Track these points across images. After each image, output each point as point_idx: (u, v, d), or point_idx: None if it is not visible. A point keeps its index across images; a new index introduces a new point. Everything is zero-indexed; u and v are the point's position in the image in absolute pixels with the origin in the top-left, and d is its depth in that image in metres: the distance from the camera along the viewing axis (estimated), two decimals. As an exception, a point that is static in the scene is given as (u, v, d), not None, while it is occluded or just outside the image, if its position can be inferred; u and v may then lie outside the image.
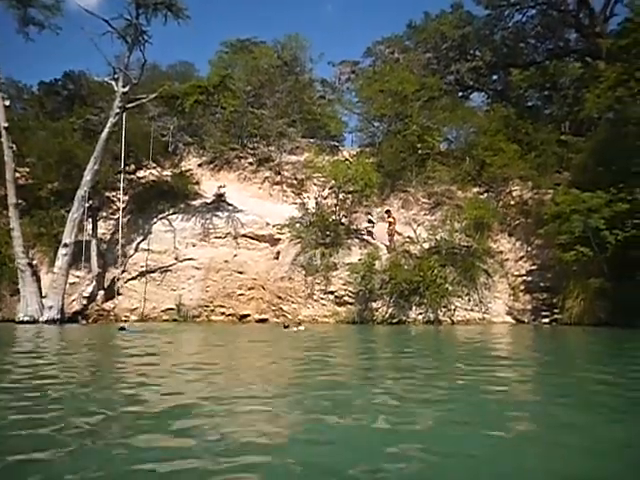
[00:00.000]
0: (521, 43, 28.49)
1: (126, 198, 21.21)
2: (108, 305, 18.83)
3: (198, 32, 65.43)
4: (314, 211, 19.51)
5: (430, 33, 28.87)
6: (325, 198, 19.96)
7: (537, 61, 27.92)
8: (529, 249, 19.39)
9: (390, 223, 19.02)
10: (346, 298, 17.72)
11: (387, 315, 17.32)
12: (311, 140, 25.88)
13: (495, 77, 30.17)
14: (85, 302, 18.73)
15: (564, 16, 26.83)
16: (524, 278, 18.76)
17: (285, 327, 14.22)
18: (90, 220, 19.67)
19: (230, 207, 21.01)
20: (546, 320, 17.35)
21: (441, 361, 8.12)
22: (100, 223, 20.51)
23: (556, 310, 17.31)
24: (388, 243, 18.69)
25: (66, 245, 18.00)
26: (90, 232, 19.69)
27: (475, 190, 21.30)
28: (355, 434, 3.52)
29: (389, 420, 3.81)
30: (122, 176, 19.69)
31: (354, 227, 19.50)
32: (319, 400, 4.53)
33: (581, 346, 11.98)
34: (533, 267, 18.90)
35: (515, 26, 28.17)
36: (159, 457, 2.95)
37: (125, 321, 18.20)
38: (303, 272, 18.23)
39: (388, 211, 19.58)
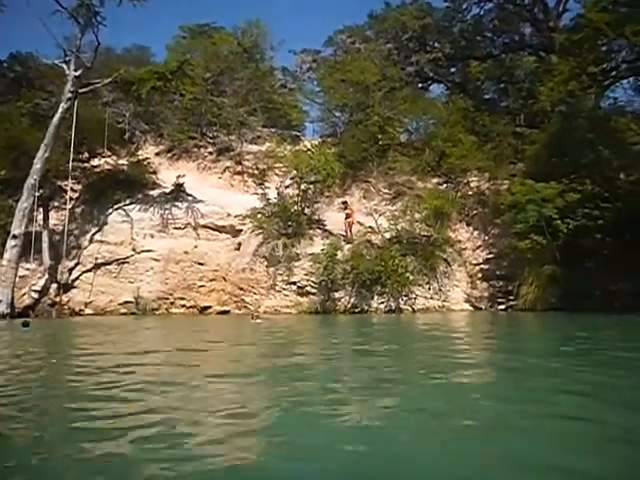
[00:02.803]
0: (479, 36, 29.02)
1: (80, 187, 20.39)
2: (62, 299, 18.09)
3: (154, 15, 63.29)
4: (276, 201, 19.35)
5: (391, 23, 28.98)
6: (287, 188, 19.83)
7: (494, 54, 28.57)
8: (486, 238, 19.94)
9: (347, 215, 19.04)
10: (308, 288, 17.72)
11: (349, 305, 17.44)
12: (272, 130, 25.56)
13: (454, 69, 30.66)
14: (36, 296, 17.91)
15: (520, 10, 27.50)
16: (481, 266, 19.29)
17: (252, 318, 14.07)
18: (41, 210, 18.78)
19: (190, 197, 20.54)
20: (502, 307, 17.92)
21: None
22: (52, 213, 19.61)
23: (511, 297, 17.90)
24: (345, 234, 18.73)
25: (15, 236, 17.15)
26: (41, 223, 18.80)
27: (435, 181, 21.67)
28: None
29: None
30: (70, 165, 18.83)
31: (316, 217, 19.48)
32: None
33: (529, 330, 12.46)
34: (490, 255, 19.45)
35: (473, 19, 28.68)
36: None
37: (79, 315, 17.60)
38: (265, 263, 18.09)
39: (345, 202, 19.59)
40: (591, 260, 16.81)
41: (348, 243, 18.33)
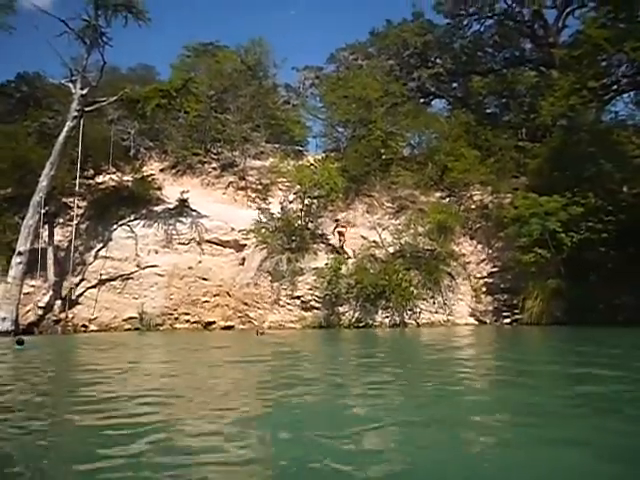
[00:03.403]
0: (479, 52, 29.35)
1: (85, 204, 20.51)
2: (66, 315, 18.11)
3: (159, 35, 64.23)
4: (279, 216, 19.43)
5: (392, 40, 29.34)
6: (290, 203, 19.91)
7: (495, 69, 28.84)
8: (490, 252, 19.91)
9: (340, 233, 18.84)
10: (312, 303, 17.70)
11: (354, 319, 17.39)
12: (275, 145, 25.77)
13: (455, 84, 30.93)
14: (41, 312, 17.93)
15: (520, 27, 27.81)
16: (485, 280, 19.24)
17: (257, 334, 14.05)
18: (46, 227, 18.90)
19: (194, 213, 20.63)
20: (507, 320, 17.83)
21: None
22: (57, 230, 19.73)
23: (516, 310, 17.83)
24: (339, 252, 18.52)
25: (20, 253, 17.22)
26: (46, 239, 18.91)
27: (437, 195, 21.74)
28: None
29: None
30: (77, 181, 19.04)
31: (320, 232, 19.52)
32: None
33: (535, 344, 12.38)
34: (494, 269, 19.41)
35: (473, 35, 29.03)
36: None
37: (84, 331, 17.60)
38: (269, 278, 18.10)
39: (337, 220, 19.42)
40: (595, 273, 16.78)
41: (348, 258, 18.32)
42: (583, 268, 16.56)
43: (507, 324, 17.63)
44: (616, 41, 17.34)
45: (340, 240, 18.75)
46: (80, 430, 3.87)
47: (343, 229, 18.95)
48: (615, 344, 10.61)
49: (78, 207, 20.17)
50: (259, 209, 19.87)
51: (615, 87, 20.47)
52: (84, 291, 18.66)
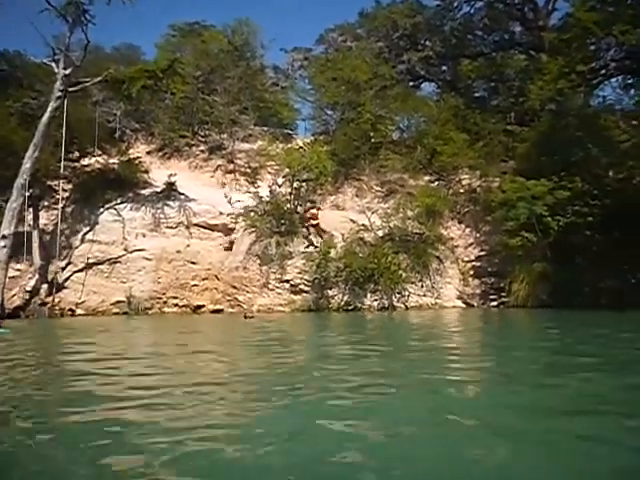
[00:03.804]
0: (469, 35, 29.19)
1: (70, 187, 20.19)
2: (52, 299, 17.94)
3: (143, 14, 62.79)
4: (268, 200, 19.33)
5: (381, 22, 29.03)
6: (279, 186, 19.81)
7: (484, 53, 28.74)
8: (478, 235, 20.08)
9: (311, 217, 18.46)
10: (302, 286, 17.74)
11: (342, 302, 17.50)
12: (264, 128, 25.52)
13: (444, 67, 30.77)
14: (27, 297, 17.72)
15: (509, 9, 27.67)
16: (473, 263, 19.43)
17: (245, 317, 14.06)
18: (31, 210, 18.57)
19: (181, 196, 20.43)
20: (494, 303, 18.08)
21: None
22: (42, 213, 19.41)
23: (503, 294, 18.06)
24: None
25: (5, 237, 16.93)
26: (31, 223, 18.61)
27: (426, 178, 21.78)
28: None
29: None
30: (61, 164, 18.69)
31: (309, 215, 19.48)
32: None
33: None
34: (482, 253, 19.60)
35: (463, 17, 28.82)
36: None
37: (71, 315, 17.47)
38: (258, 261, 18.08)
39: (308, 209, 18.93)
40: (581, 257, 17.03)
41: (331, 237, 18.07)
42: (569, 252, 16.79)
43: (494, 307, 17.88)
44: (605, 24, 17.37)
45: (313, 226, 18.31)
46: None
47: (315, 212, 18.69)
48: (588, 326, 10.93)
49: (63, 190, 19.85)
50: (248, 192, 19.71)
51: (603, 71, 20.55)
52: (71, 275, 18.47)
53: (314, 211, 18.60)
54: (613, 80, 21.59)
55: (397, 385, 4.74)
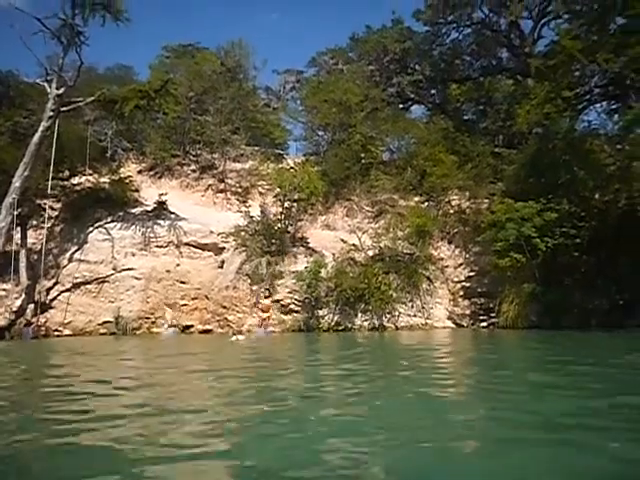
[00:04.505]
0: (457, 59, 29.81)
1: (59, 206, 20.11)
2: (37, 319, 17.66)
3: (138, 35, 63.62)
4: (259, 219, 19.37)
5: (372, 46, 29.61)
6: (270, 206, 19.88)
7: (472, 77, 29.35)
8: (467, 256, 20.20)
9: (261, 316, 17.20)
10: (292, 306, 17.67)
11: (333, 323, 17.42)
12: (255, 148, 25.75)
13: (434, 91, 31.35)
14: (13, 317, 17.45)
15: (497, 36, 28.36)
16: (463, 284, 19.50)
17: (234, 336, 13.92)
18: (19, 229, 18.45)
19: (172, 215, 20.42)
20: (484, 324, 18.09)
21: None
22: (30, 232, 19.27)
23: (493, 314, 18.09)
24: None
25: (-9, 256, 16.76)
26: (19, 242, 18.45)
27: (416, 199, 21.97)
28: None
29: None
30: (49, 183, 18.60)
31: (299, 235, 19.53)
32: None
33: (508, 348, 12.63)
34: (471, 273, 19.69)
35: (452, 43, 29.46)
36: None
37: (57, 336, 17.19)
38: (248, 281, 18.01)
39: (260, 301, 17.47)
40: (569, 278, 17.17)
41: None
42: (557, 273, 16.93)
43: (484, 327, 17.89)
44: (589, 52, 17.84)
45: (262, 319, 17.02)
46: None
47: (269, 303, 17.26)
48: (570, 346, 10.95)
49: (53, 209, 19.79)
50: (239, 212, 19.75)
51: (588, 97, 21.05)
52: (58, 295, 18.26)
53: (267, 302, 17.20)
54: (597, 105, 22.14)
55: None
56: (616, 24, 18.08)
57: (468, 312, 18.77)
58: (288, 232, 19.21)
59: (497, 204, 18.21)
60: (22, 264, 18.05)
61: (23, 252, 18.32)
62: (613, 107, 21.58)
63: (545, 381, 6.21)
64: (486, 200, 20.37)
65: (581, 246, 16.56)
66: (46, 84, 18.78)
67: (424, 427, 3.98)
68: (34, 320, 17.37)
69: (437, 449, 3.36)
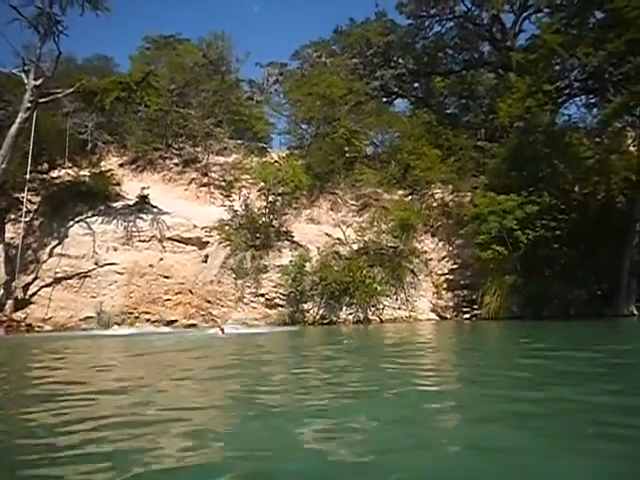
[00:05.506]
0: (440, 53, 29.90)
1: (38, 199, 19.74)
2: (19, 315, 17.35)
3: (118, 25, 62.37)
4: (243, 213, 19.26)
5: (356, 39, 29.53)
6: (255, 200, 19.78)
7: (455, 70, 29.50)
8: (451, 249, 20.40)
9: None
10: (277, 300, 17.66)
11: (318, 316, 17.46)
12: (239, 141, 25.54)
13: (417, 84, 31.44)
14: (-9, 313, 17.13)
15: (479, 30, 28.51)
16: (447, 276, 19.70)
17: (222, 331, 13.84)
18: (-3, 223, 18.08)
19: (155, 209, 20.18)
20: (467, 316, 18.33)
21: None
22: (8, 226, 18.90)
23: (475, 306, 18.34)
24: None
25: (-32, 251, 16.39)
26: (-3, 236, 18.08)
27: (400, 192, 22.08)
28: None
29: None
30: (28, 176, 18.28)
31: (284, 229, 19.48)
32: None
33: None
34: (454, 266, 19.90)
35: (435, 36, 29.53)
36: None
37: (37, 331, 16.92)
38: (233, 275, 17.93)
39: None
40: (549, 269, 17.48)
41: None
42: (538, 264, 17.22)
43: (467, 319, 18.12)
44: (569, 46, 18.06)
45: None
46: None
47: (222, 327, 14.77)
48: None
49: (32, 203, 19.42)
50: (222, 206, 19.59)
51: (568, 90, 21.31)
52: (38, 290, 17.96)
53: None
54: (577, 99, 22.46)
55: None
56: (596, 18, 18.34)
57: (451, 304, 18.98)
58: (272, 226, 19.15)
59: (479, 197, 18.41)
60: (0, 259, 17.72)
61: (1, 247, 17.98)
62: (592, 101, 21.95)
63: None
64: (469, 193, 20.57)
65: (561, 238, 16.86)
66: (23, 75, 18.36)
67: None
68: (14, 316, 17.05)
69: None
